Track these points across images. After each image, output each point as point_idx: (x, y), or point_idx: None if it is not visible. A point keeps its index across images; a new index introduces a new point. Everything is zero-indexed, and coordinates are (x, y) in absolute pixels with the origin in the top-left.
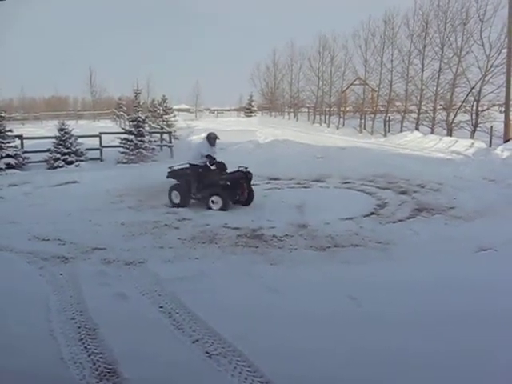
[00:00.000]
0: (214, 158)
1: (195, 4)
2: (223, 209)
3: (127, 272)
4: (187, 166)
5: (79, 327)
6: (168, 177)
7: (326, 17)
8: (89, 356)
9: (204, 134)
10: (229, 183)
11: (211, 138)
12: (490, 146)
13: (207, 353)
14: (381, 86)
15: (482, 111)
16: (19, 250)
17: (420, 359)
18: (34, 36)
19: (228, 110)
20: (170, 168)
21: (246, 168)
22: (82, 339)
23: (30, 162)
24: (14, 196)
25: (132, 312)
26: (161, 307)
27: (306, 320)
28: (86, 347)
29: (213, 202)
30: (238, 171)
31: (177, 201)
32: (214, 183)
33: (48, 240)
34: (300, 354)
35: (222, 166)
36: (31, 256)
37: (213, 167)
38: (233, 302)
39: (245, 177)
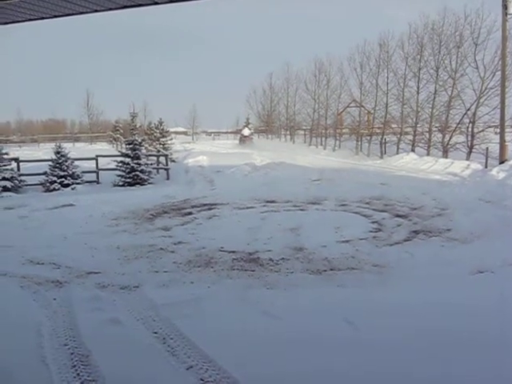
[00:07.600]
0: None
1: (194, 28)
2: None
3: (122, 297)
4: None
5: (72, 353)
6: None
7: (321, 40)
8: (81, 383)
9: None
10: None
11: None
12: (486, 167)
13: (202, 380)
14: (376, 108)
15: (477, 133)
16: (13, 274)
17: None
18: (32, 59)
19: (225, 133)
20: None
21: None
22: (74, 366)
23: (27, 185)
24: (9, 219)
25: (126, 338)
26: (155, 333)
27: (302, 345)
28: (78, 374)
29: None
30: None
31: None
32: None
33: (42, 264)
34: (297, 380)
35: None
36: (25, 280)
37: None
38: (228, 328)
39: None
